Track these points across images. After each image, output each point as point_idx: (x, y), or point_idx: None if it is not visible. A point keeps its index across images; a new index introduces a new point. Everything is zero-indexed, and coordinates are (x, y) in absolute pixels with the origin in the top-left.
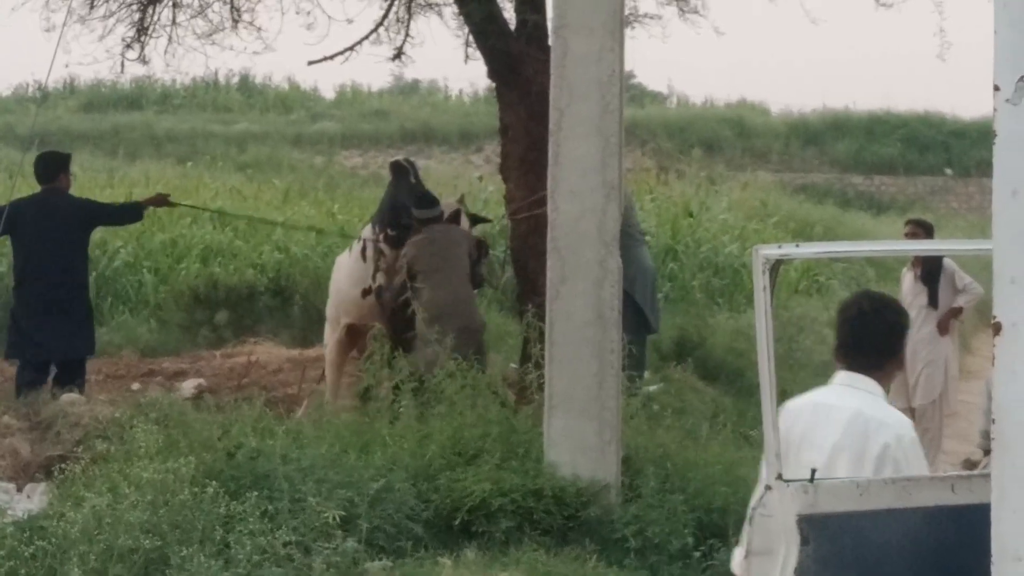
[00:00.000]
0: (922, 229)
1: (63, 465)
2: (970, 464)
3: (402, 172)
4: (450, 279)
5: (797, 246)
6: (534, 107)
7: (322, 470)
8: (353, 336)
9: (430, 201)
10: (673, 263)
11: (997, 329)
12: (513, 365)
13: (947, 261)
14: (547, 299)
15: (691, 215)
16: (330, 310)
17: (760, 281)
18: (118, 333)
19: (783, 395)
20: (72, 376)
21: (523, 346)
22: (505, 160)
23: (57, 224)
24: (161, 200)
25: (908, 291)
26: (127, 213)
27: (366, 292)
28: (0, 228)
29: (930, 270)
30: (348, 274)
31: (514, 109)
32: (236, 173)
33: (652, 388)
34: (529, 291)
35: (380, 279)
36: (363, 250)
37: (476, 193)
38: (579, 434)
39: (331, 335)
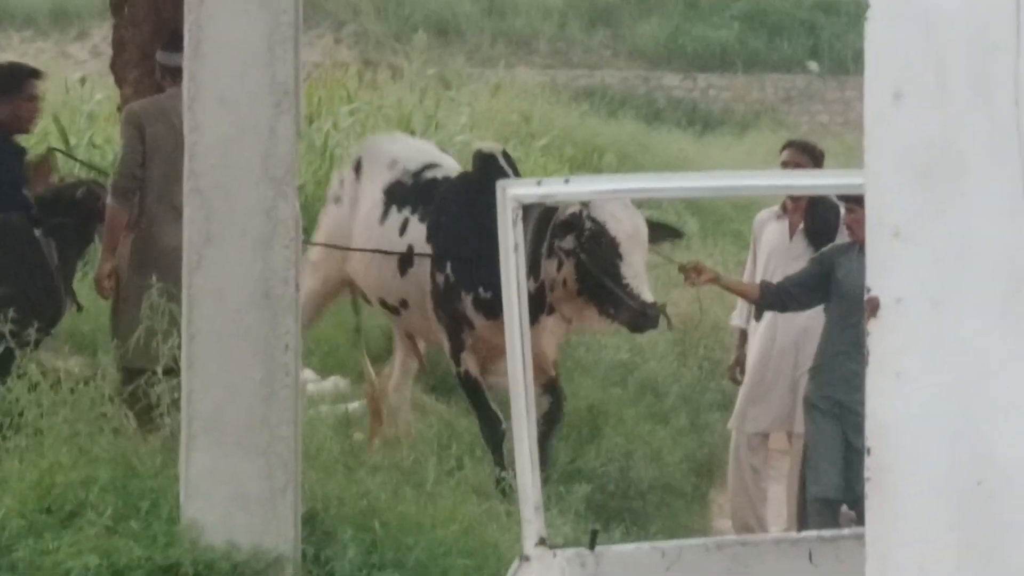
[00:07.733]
0: (808, 157)
1: None
2: None
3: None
4: None
5: (539, 184)
6: None
7: None
8: None
9: None
10: None
11: (874, 309)
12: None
13: None
14: (183, 269)
15: (412, 134)
16: None
17: (510, 236)
18: None
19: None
20: None
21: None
22: (120, 52)
23: None
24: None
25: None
26: None
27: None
28: None
29: (820, 219)
30: None
31: None
32: None
33: (354, 405)
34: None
35: None
36: None
37: (76, 104)
38: (235, 478)
39: None
